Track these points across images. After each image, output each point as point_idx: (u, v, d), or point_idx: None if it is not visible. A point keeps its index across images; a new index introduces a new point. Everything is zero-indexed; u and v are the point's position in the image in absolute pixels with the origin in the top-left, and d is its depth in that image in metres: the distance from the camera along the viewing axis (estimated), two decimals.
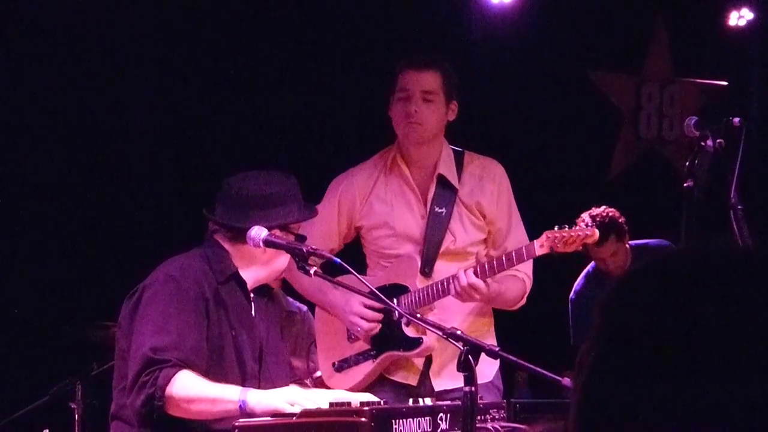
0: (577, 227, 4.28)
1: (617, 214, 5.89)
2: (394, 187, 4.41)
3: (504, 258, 4.17)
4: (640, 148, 8.07)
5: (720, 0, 7.93)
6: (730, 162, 4.15)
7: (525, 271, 4.39)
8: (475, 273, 4.16)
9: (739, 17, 7.88)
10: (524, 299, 4.43)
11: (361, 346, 4.37)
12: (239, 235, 3.56)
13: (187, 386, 3.32)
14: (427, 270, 4.32)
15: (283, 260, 3.71)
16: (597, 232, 4.32)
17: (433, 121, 4.32)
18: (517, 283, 4.37)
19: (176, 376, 3.32)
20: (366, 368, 4.36)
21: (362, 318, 4.27)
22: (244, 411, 3.28)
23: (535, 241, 4.16)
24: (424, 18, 7.00)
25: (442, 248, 4.33)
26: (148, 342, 3.37)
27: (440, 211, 4.35)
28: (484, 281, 4.17)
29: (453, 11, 7.22)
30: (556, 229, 4.17)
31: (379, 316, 4.27)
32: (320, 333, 4.54)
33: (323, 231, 4.35)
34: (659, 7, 7.99)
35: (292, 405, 3.24)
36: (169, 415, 3.34)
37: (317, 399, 3.27)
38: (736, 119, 4.20)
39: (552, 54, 7.42)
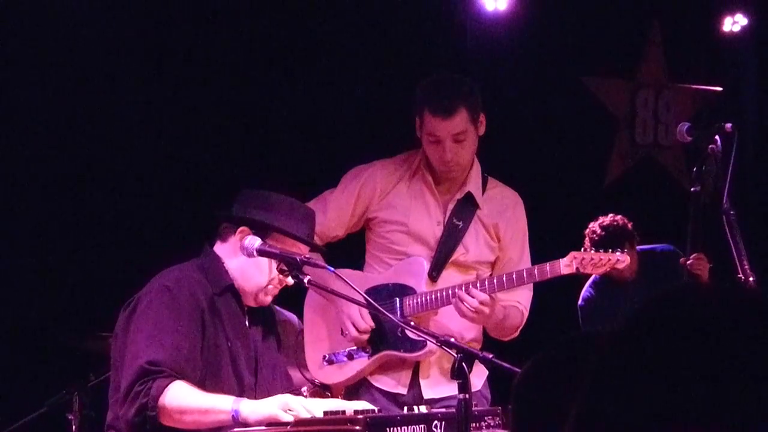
0: (608, 251, 4.16)
1: (625, 220, 5.93)
2: (416, 190, 4.38)
3: (525, 272, 4.14)
4: (635, 154, 8.08)
5: (714, 6, 7.94)
6: (723, 167, 4.16)
7: (525, 304, 4.38)
8: (483, 286, 4.14)
9: (734, 23, 7.90)
10: (517, 332, 4.41)
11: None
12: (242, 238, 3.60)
13: (180, 397, 3.33)
14: (434, 274, 4.31)
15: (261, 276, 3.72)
16: (629, 258, 4.28)
17: (469, 154, 4.30)
18: (517, 314, 4.36)
19: (169, 386, 3.34)
20: (360, 364, 4.31)
21: (354, 324, 4.23)
22: (237, 421, 3.29)
23: (560, 259, 4.09)
24: (420, 26, 7.00)
25: (452, 258, 4.31)
26: (143, 353, 3.39)
27: (458, 223, 4.33)
28: (492, 297, 4.15)
29: (448, 18, 7.22)
30: (582, 251, 4.14)
31: (369, 327, 4.23)
32: (310, 324, 4.46)
33: (335, 216, 4.32)
34: (654, 13, 7.99)
35: (287, 411, 3.25)
36: (162, 425, 3.35)
37: (311, 406, 3.27)
38: (728, 125, 4.21)
39: (546, 60, 7.43)
